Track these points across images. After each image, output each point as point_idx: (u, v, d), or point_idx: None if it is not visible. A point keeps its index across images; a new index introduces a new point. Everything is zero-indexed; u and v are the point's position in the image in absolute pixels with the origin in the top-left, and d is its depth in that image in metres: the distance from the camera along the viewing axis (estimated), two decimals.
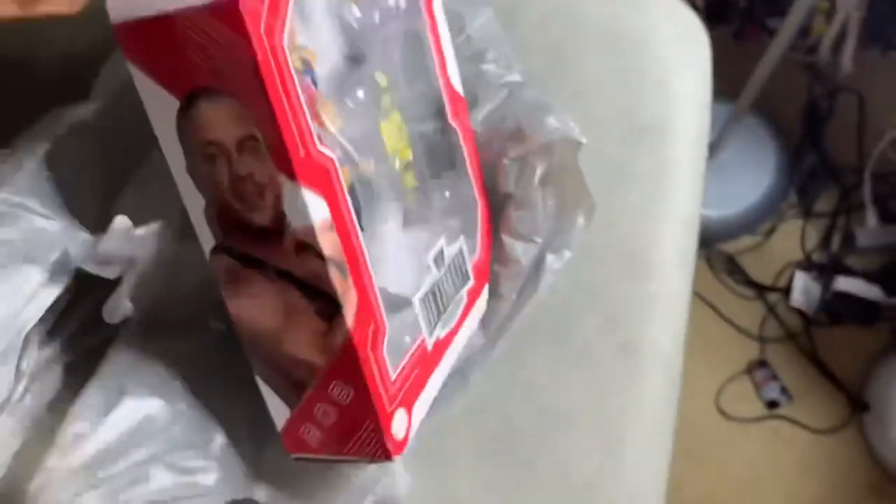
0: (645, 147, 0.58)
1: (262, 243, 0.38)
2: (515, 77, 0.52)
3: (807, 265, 1.25)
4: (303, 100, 0.35)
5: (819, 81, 1.25)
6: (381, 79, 0.42)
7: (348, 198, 0.37)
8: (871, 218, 1.22)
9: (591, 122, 0.60)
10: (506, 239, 0.52)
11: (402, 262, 0.44)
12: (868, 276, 1.21)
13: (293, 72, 0.34)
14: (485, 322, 0.54)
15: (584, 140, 0.50)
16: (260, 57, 0.33)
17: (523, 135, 0.50)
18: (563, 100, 0.61)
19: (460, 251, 0.47)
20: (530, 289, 0.55)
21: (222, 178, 0.37)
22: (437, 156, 0.48)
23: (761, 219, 1.25)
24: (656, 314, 0.56)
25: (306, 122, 0.35)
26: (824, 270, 1.23)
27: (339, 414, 0.40)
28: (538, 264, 0.54)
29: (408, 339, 0.42)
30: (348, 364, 0.38)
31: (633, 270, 0.57)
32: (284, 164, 0.34)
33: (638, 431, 0.56)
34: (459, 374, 0.53)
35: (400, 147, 0.43)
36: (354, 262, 0.38)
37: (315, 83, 0.37)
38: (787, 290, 1.23)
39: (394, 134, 0.43)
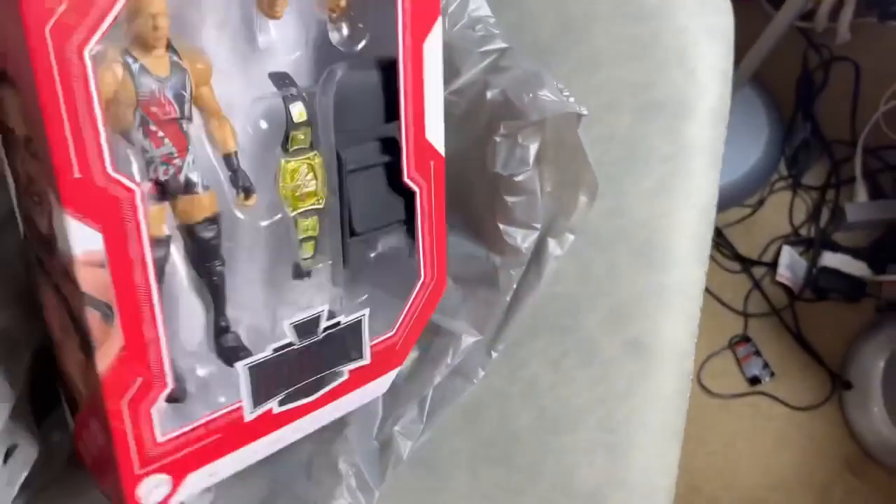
0: (660, 125, 0.53)
1: (48, 251, 0.35)
2: (499, 44, 0.46)
3: (794, 239, 1.22)
4: (98, 113, 0.31)
5: (815, 49, 1.20)
6: (298, 112, 0.39)
7: (145, 236, 0.33)
8: (861, 193, 1.20)
9: (600, 96, 0.55)
10: (502, 227, 0.48)
11: (248, 318, 0.42)
12: (855, 253, 1.20)
13: (89, 76, 0.30)
14: (483, 318, 0.50)
15: (584, 111, 0.45)
16: (34, 57, 0.29)
17: (513, 108, 0.46)
18: (571, 70, 0.56)
19: (357, 324, 0.43)
20: (532, 279, 0.50)
21: (19, 170, 0.35)
22: (374, 212, 0.44)
23: (750, 190, 1.22)
24: (668, 309, 0.52)
25: (97, 142, 0.31)
26: (811, 245, 1.21)
27: (97, 450, 0.38)
28: (539, 252, 0.49)
29: (222, 399, 0.40)
30: (99, 409, 0.35)
31: (643, 261, 0.53)
32: (52, 181, 0.31)
33: (647, 435, 0.53)
34: (460, 374, 0.49)
35: (306, 191, 0.41)
36: (132, 309, 0.34)
37: (181, 97, 0.35)
38: (773, 265, 1.21)
39: (300, 175, 0.41)
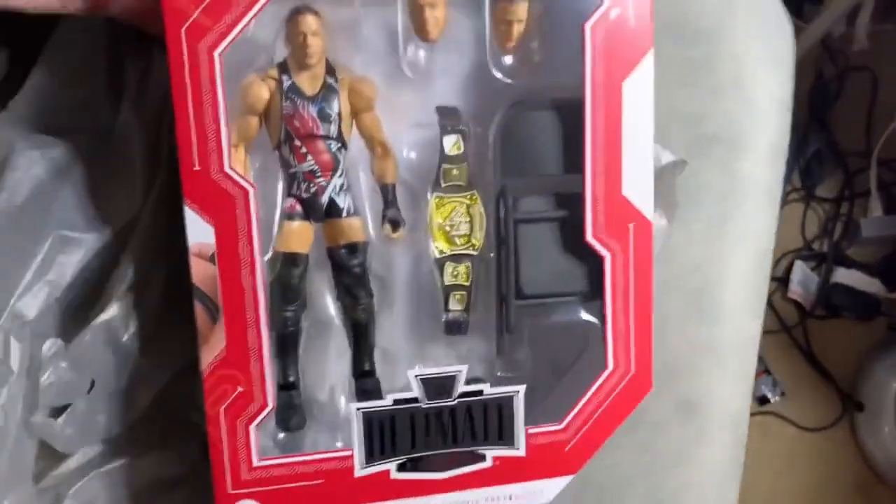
0: (714, 160, 0.48)
1: None
2: None
3: (806, 254, 1.19)
4: (222, 116, 0.34)
5: (830, 57, 1.16)
6: (452, 144, 0.39)
7: (256, 238, 0.35)
8: (876, 206, 1.16)
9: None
10: None
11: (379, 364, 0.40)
12: (868, 269, 1.16)
13: (216, 77, 0.34)
14: None
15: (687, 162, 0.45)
16: (171, 53, 0.33)
17: None
18: None
19: (507, 401, 0.39)
20: None
21: None
22: (548, 274, 0.40)
23: None
24: (722, 367, 0.47)
25: (218, 139, 0.34)
26: (824, 260, 1.17)
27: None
28: None
29: (339, 444, 0.38)
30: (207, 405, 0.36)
31: (695, 312, 0.48)
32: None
33: None
34: None
35: (458, 234, 0.39)
36: (237, 311, 0.35)
37: (327, 116, 0.37)
38: (785, 280, 1.17)
39: (453, 214, 0.39)
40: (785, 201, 1.24)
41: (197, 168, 0.34)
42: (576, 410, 0.39)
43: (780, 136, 0.50)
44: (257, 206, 0.35)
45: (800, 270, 1.22)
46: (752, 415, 1.17)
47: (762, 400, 1.18)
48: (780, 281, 1.23)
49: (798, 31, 1.09)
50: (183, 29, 0.33)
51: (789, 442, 1.20)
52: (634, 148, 0.37)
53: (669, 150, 0.46)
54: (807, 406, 1.20)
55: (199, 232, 0.34)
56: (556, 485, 0.40)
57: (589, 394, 0.39)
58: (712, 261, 0.48)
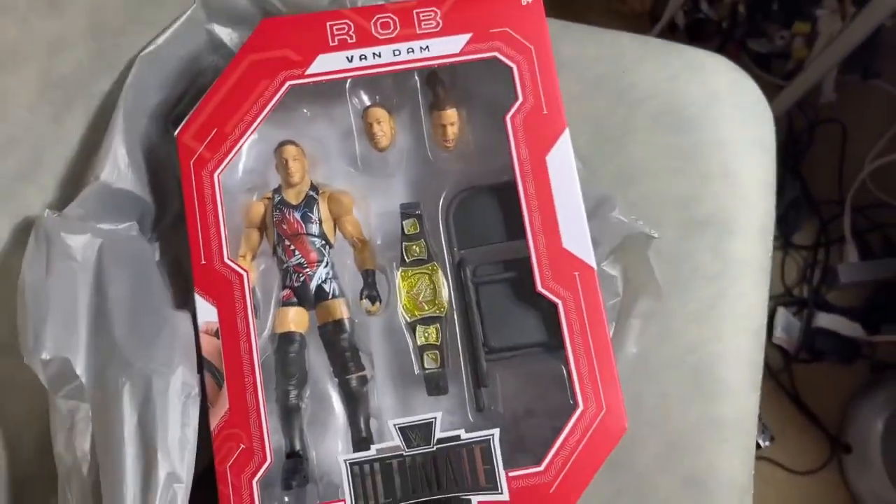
0: (705, 242, 0.51)
1: None
2: None
3: (788, 300, 1.22)
4: (221, 220, 0.44)
5: (800, 109, 1.20)
6: (410, 225, 0.47)
7: (251, 314, 0.43)
8: (852, 252, 1.20)
9: (640, 210, 0.52)
10: None
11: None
12: (848, 313, 1.20)
13: (217, 194, 0.44)
14: None
15: (654, 234, 0.48)
16: (184, 180, 0.44)
17: None
18: (610, 182, 0.52)
19: (484, 445, 0.42)
20: None
21: None
22: (511, 329, 0.46)
23: None
24: (724, 442, 0.49)
25: (219, 238, 0.44)
26: (805, 305, 1.20)
27: None
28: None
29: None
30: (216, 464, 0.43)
31: (695, 390, 0.50)
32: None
33: None
34: None
35: (425, 300, 0.46)
36: (237, 379, 0.43)
37: (308, 218, 0.47)
38: (769, 326, 1.19)
39: (418, 284, 0.46)
40: None
41: (203, 262, 0.44)
42: (553, 451, 0.42)
43: (767, 216, 0.53)
44: (251, 287, 0.44)
45: (782, 317, 1.25)
46: None
47: None
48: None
49: (774, 89, 1.13)
50: (191, 161, 0.45)
51: (781, 486, 1.22)
52: (567, 208, 0.45)
53: (658, 231, 0.48)
54: (796, 450, 1.22)
55: (206, 312, 0.43)
56: None
57: (564, 434, 0.43)
58: (709, 340, 0.51)
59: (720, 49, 1.41)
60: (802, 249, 1.29)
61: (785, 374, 1.25)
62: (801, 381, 1.27)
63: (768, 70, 1.26)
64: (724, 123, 0.53)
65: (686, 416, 0.50)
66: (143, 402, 0.39)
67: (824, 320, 1.24)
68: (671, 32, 1.29)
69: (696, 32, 1.31)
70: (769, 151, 0.54)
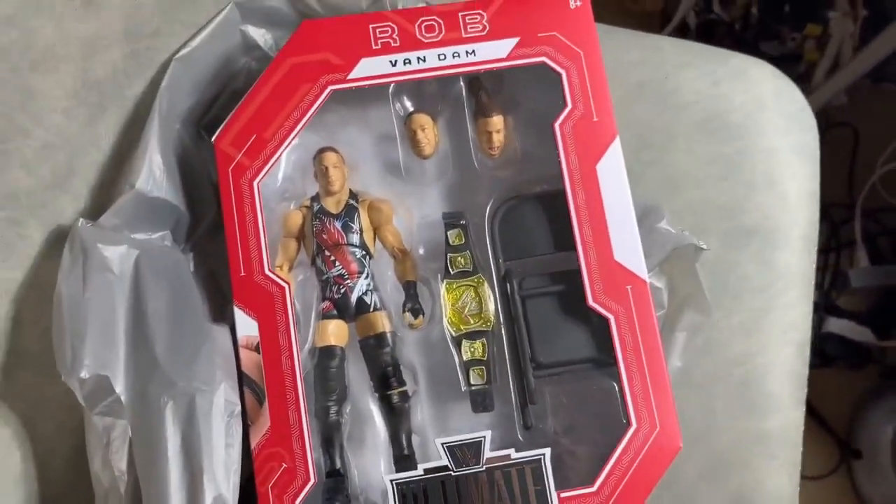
0: (751, 252, 0.49)
1: None
2: None
3: None
4: (261, 230, 0.42)
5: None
6: (455, 236, 0.46)
7: (294, 328, 0.42)
8: (862, 257, 1.19)
9: (685, 219, 0.51)
10: None
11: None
12: (858, 318, 1.19)
13: (256, 202, 0.43)
14: None
15: (703, 246, 0.47)
16: (222, 189, 0.43)
17: None
18: (653, 190, 0.51)
19: (535, 464, 0.41)
20: None
21: None
22: (560, 344, 0.44)
23: None
24: (771, 458, 0.48)
25: (259, 249, 0.42)
26: (816, 310, 1.19)
27: None
28: None
29: None
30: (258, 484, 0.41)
31: (740, 404, 0.49)
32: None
33: None
34: None
35: (470, 313, 0.45)
36: (278, 396, 0.41)
37: (349, 227, 0.45)
38: None
39: (463, 297, 0.45)
40: None
41: (243, 274, 0.42)
42: (606, 471, 0.41)
43: (811, 226, 0.52)
44: (293, 300, 0.43)
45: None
46: None
47: None
48: None
49: None
50: (230, 168, 0.43)
51: None
52: (618, 219, 0.43)
53: (703, 241, 0.47)
54: (806, 455, 1.21)
55: (245, 326, 0.42)
56: None
57: (617, 453, 0.41)
58: (756, 353, 0.49)
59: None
60: None
61: None
62: (811, 386, 1.26)
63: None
64: (768, 131, 0.52)
65: (732, 432, 0.49)
66: (187, 422, 0.37)
67: (834, 325, 1.24)
68: (682, 33, 1.27)
69: (707, 33, 1.30)
70: (813, 159, 0.53)
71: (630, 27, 0.57)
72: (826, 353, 1.25)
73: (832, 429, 1.23)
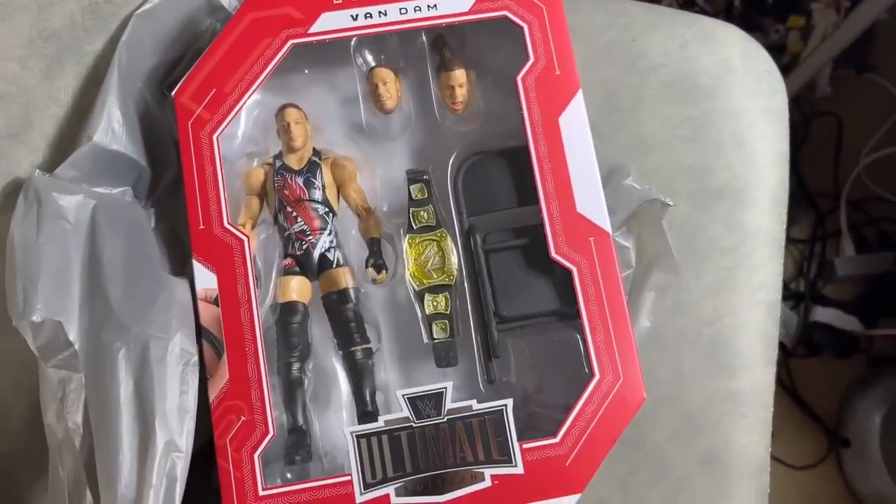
0: (719, 213, 0.49)
1: None
2: None
3: (785, 294, 1.20)
4: (220, 183, 0.42)
5: (795, 103, 1.19)
6: (417, 189, 0.45)
7: (252, 281, 0.41)
8: (848, 246, 1.19)
9: (653, 180, 0.50)
10: None
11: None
12: (845, 306, 1.19)
13: (215, 155, 0.42)
14: None
15: (669, 202, 0.46)
16: (181, 141, 0.42)
17: None
18: (621, 151, 0.50)
19: (497, 416, 0.41)
20: None
21: None
22: (523, 297, 0.44)
23: None
24: (743, 418, 0.47)
25: (218, 202, 0.42)
26: (802, 299, 1.19)
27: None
28: None
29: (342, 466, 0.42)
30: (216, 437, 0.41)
31: (710, 364, 0.48)
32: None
33: None
34: None
35: (433, 267, 0.44)
36: (237, 348, 0.41)
37: (311, 183, 0.45)
38: None
39: (426, 251, 0.45)
40: None
41: (202, 227, 0.42)
42: (569, 422, 0.41)
43: (781, 187, 0.52)
44: (252, 253, 0.42)
45: (781, 311, 1.23)
46: None
47: None
48: None
49: None
50: (189, 122, 0.43)
51: (779, 481, 1.20)
52: (581, 171, 0.43)
53: (671, 199, 0.47)
54: (794, 445, 1.21)
55: (204, 279, 0.41)
56: None
57: (580, 404, 0.41)
58: (726, 313, 0.49)
59: None
60: (799, 243, 1.28)
61: (782, 368, 1.24)
62: (799, 375, 1.26)
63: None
64: (736, 92, 0.52)
65: (702, 392, 0.48)
66: (140, 368, 0.36)
67: (821, 314, 1.23)
68: None
69: None
70: (782, 120, 0.53)
71: None
72: (813, 342, 1.24)
73: (820, 418, 1.22)
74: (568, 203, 0.43)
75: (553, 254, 0.42)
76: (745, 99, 0.52)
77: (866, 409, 1.19)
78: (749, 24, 1.29)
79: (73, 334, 0.37)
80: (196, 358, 0.39)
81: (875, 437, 1.18)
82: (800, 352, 1.26)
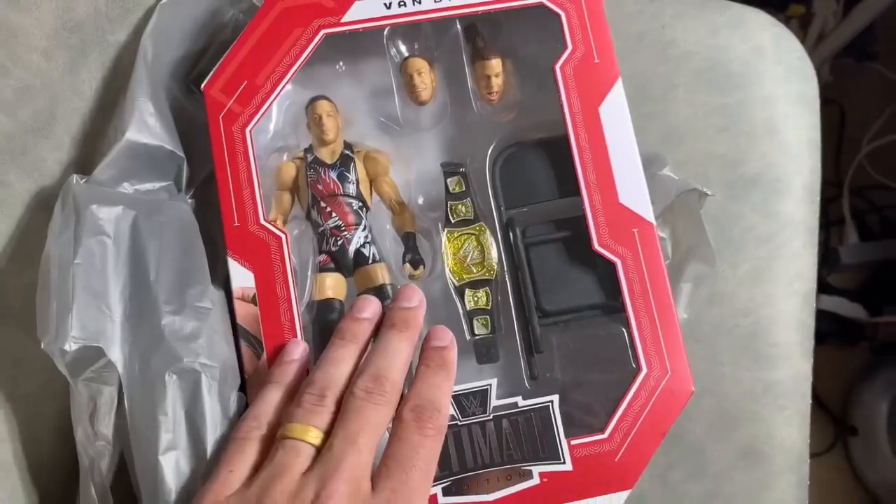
0: (754, 202, 0.48)
1: None
2: None
3: None
4: (255, 178, 0.41)
5: None
6: (455, 183, 0.44)
7: (291, 279, 0.40)
8: (852, 234, 1.20)
9: (687, 170, 0.50)
10: None
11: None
12: (849, 294, 1.19)
13: (249, 149, 0.41)
14: None
15: (708, 192, 0.45)
16: (213, 136, 0.41)
17: None
18: (654, 142, 0.50)
19: (544, 412, 0.40)
20: None
21: None
22: (567, 291, 0.43)
23: None
24: (780, 410, 0.47)
25: (253, 198, 0.41)
26: None
27: None
28: None
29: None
30: None
31: (748, 355, 0.48)
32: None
33: None
34: None
35: (473, 262, 0.43)
36: (278, 347, 0.39)
37: (345, 177, 0.44)
38: None
39: (465, 246, 0.44)
40: None
41: (237, 224, 0.41)
42: (617, 417, 0.40)
43: (814, 175, 0.51)
44: (290, 250, 0.41)
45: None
46: None
47: None
48: None
49: None
50: (220, 115, 0.41)
51: None
52: (623, 161, 0.42)
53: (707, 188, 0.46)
54: None
55: (241, 278, 0.40)
56: (614, 501, 0.40)
57: (628, 398, 0.40)
58: (762, 304, 0.48)
59: None
60: None
61: None
62: None
63: None
64: (767, 80, 0.51)
65: (741, 384, 0.48)
66: (192, 399, 0.35)
67: (826, 302, 1.23)
68: None
69: None
70: (813, 108, 0.52)
71: None
72: (819, 330, 1.24)
73: (827, 406, 1.22)
74: (610, 194, 0.41)
75: (596, 246, 0.41)
76: (777, 87, 0.51)
77: (872, 396, 1.20)
78: None
79: (115, 356, 0.35)
80: (240, 380, 0.38)
81: (882, 425, 1.18)
82: None
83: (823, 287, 1.26)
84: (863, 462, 1.19)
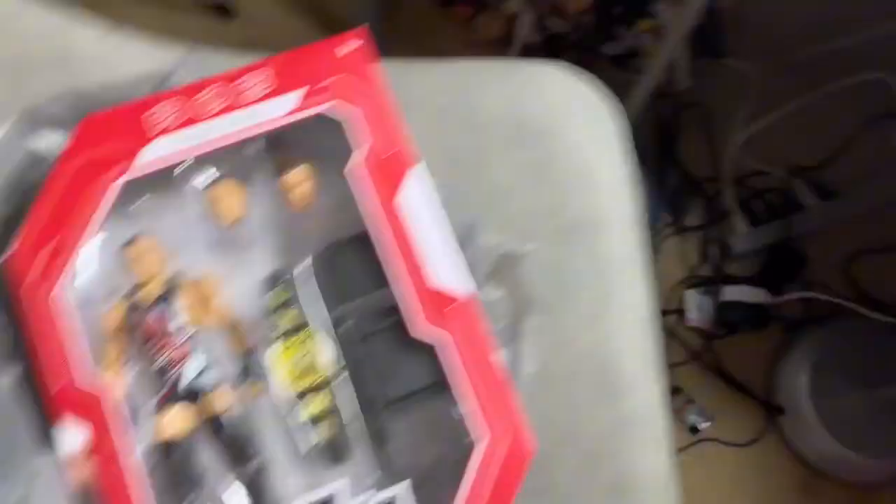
0: (580, 244, 0.51)
1: None
2: None
3: (694, 281, 1.25)
4: (70, 338, 0.41)
5: (661, 98, 1.25)
6: (275, 295, 0.46)
7: (126, 429, 0.40)
8: (740, 224, 1.25)
9: (515, 227, 0.52)
10: None
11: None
12: (751, 281, 1.24)
13: (61, 320, 0.41)
14: None
15: (527, 250, 0.49)
16: (17, 310, 0.41)
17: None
18: (479, 207, 0.52)
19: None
20: None
21: None
22: (398, 379, 0.44)
23: None
24: (641, 437, 0.48)
25: (73, 358, 0.41)
26: (710, 283, 1.24)
27: None
28: None
29: None
30: None
31: (599, 393, 0.49)
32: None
33: None
34: None
35: (303, 368, 0.44)
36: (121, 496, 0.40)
37: (172, 312, 0.44)
38: (681, 310, 1.22)
39: (294, 355, 0.45)
40: (662, 237, 1.32)
41: (59, 387, 0.41)
42: (468, 491, 0.41)
43: (632, 207, 0.54)
44: (119, 400, 0.41)
45: (691, 298, 1.28)
46: (687, 446, 1.21)
47: (693, 429, 1.22)
48: (677, 312, 1.28)
49: (634, 84, 1.18)
50: (24, 287, 0.42)
51: (728, 462, 1.24)
52: (431, 243, 0.44)
53: (531, 244, 0.49)
54: (734, 424, 1.24)
55: (70, 440, 0.40)
56: None
57: (472, 472, 0.41)
58: (604, 339, 0.51)
59: (578, 59, 1.46)
60: (696, 230, 1.34)
61: (708, 353, 1.28)
62: (724, 356, 1.30)
63: (626, 69, 1.31)
64: (568, 129, 0.53)
65: (597, 422, 0.49)
66: None
67: (731, 293, 1.28)
68: (529, 52, 1.33)
69: (552, 49, 1.35)
70: (619, 144, 0.55)
71: (478, 55, 0.59)
72: (729, 321, 1.29)
73: (752, 392, 1.26)
74: (418, 280, 0.43)
75: (412, 333, 0.43)
76: (581, 133, 0.54)
77: (791, 372, 1.24)
78: (604, 35, 1.35)
79: None
80: None
81: (806, 398, 1.22)
82: (720, 333, 1.31)
83: (726, 279, 1.31)
84: (795, 438, 1.22)
